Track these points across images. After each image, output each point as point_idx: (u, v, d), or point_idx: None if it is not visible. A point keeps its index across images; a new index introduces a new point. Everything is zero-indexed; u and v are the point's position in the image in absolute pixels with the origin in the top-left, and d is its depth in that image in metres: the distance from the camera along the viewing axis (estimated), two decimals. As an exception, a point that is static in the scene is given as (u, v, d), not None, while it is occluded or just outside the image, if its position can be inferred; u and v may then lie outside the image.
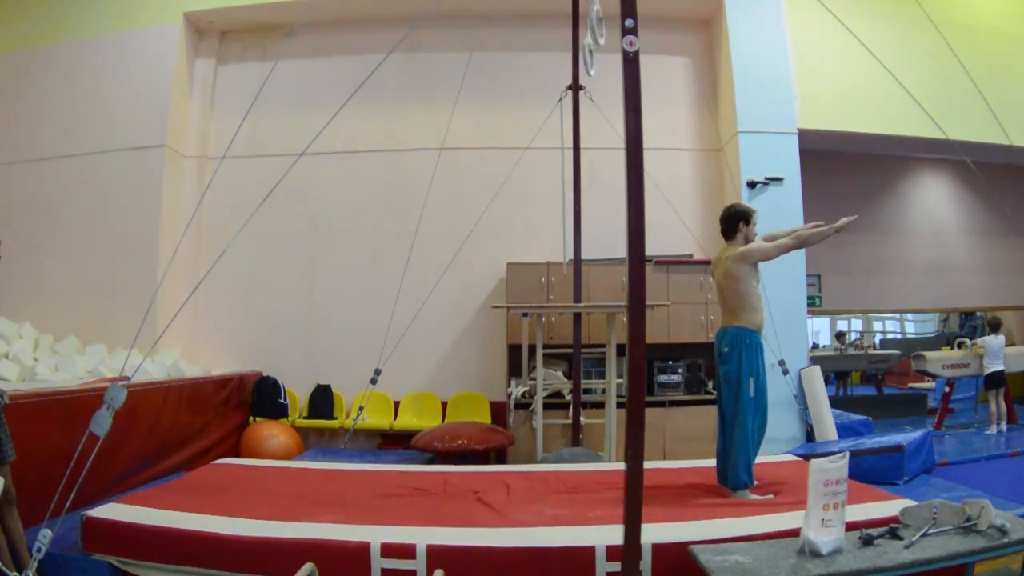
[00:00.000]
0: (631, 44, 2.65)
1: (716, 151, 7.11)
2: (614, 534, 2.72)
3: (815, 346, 9.57)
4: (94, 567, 3.14)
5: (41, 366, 5.64)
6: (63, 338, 6.34)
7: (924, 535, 2.61)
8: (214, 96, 7.30)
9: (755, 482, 3.81)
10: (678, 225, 6.36)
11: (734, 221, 4.05)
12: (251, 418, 6.49)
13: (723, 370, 3.95)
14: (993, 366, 7.04)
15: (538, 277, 6.34)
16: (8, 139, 7.04)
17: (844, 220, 3.87)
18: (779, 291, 6.08)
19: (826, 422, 5.98)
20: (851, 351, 9.58)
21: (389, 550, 2.91)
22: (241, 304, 7.01)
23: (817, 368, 6.25)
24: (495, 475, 4.33)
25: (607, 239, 6.13)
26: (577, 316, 5.61)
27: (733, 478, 3.78)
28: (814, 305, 8.32)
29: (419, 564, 2.86)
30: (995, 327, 7.28)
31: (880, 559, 2.44)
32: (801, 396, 6.21)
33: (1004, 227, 8.81)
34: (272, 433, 6.19)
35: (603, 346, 5.82)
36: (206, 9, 6.99)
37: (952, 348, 7.76)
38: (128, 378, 3.68)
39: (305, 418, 6.65)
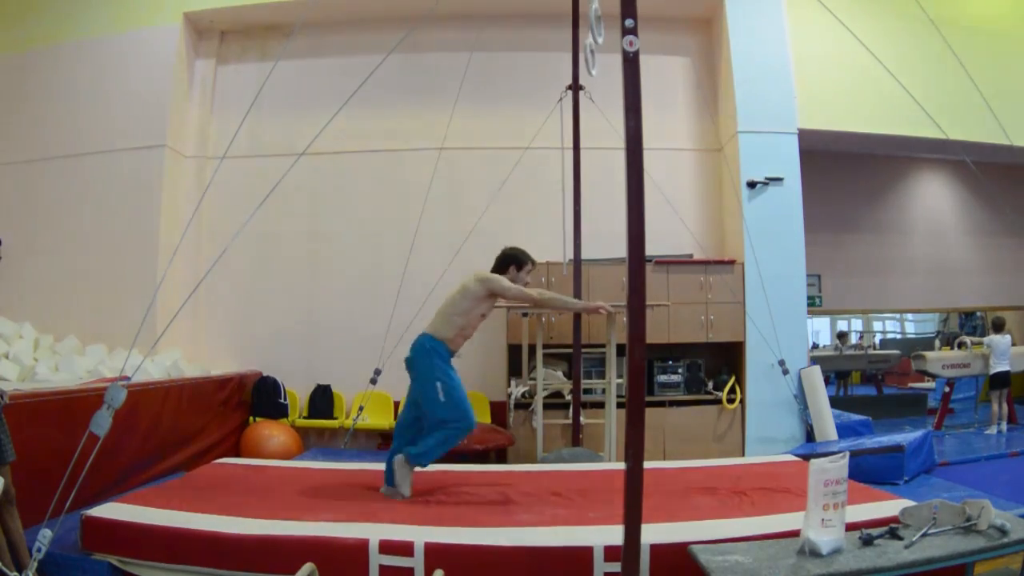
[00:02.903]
0: (631, 44, 2.64)
1: (716, 151, 7.11)
2: (613, 534, 2.72)
3: (815, 346, 9.56)
4: (94, 567, 3.14)
5: (41, 366, 5.64)
6: (63, 338, 6.33)
7: (924, 535, 2.61)
8: (214, 96, 7.30)
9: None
10: (678, 225, 6.37)
11: (504, 263, 4.02)
12: (251, 418, 6.49)
13: (412, 376, 3.91)
14: (999, 366, 7.03)
15: (538, 277, 6.33)
16: (9, 139, 7.04)
17: (599, 304, 3.78)
18: (779, 291, 6.10)
19: (826, 422, 5.98)
20: (850, 351, 9.57)
21: (387, 547, 2.91)
22: (241, 304, 7.01)
23: (817, 368, 6.25)
24: (495, 475, 4.33)
25: (607, 239, 6.12)
26: (577, 316, 5.60)
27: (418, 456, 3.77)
28: (814, 305, 8.31)
29: (417, 562, 2.87)
30: (999, 327, 7.26)
31: (880, 559, 2.44)
32: (801, 396, 6.21)
33: (1004, 227, 8.81)
34: (272, 433, 6.19)
35: (603, 346, 5.82)
36: (206, 9, 7.00)
37: (952, 348, 7.76)
38: (128, 378, 3.69)
39: (305, 418, 6.65)
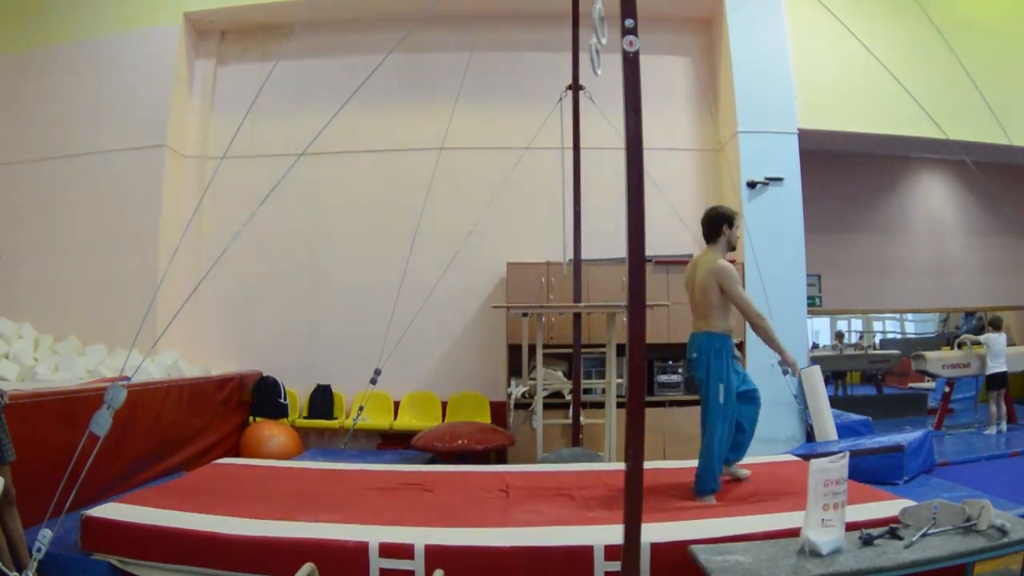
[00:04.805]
0: (631, 44, 2.64)
1: (716, 151, 7.11)
2: (613, 534, 2.72)
3: (815, 346, 9.56)
4: (94, 567, 3.14)
5: (41, 366, 5.64)
6: (63, 338, 6.33)
7: (924, 535, 2.61)
8: (214, 96, 7.30)
9: (720, 488, 3.79)
10: (678, 225, 6.36)
11: (717, 224, 3.91)
12: (251, 418, 6.49)
13: (696, 377, 3.91)
14: (996, 366, 7.02)
15: (538, 277, 6.33)
16: (9, 139, 7.04)
17: (795, 365, 3.84)
18: (779, 291, 6.09)
19: (826, 422, 5.98)
20: (849, 351, 9.57)
21: (387, 550, 2.91)
22: (241, 304, 7.01)
23: (817, 368, 6.25)
24: (495, 475, 4.33)
25: (607, 239, 6.12)
26: (577, 316, 5.60)
27: (700, 482, 3.75)
28: (814, 305, 8.31)
29: (417, 564, 2.86)
30: (996, 325, 7.25)
31: (880, 559, 2.44)
32: (801, 396, 6.21)
33: (1004, 227, 8.81)
34: (272, 433, 6.19)
35: (603, 346, 5.82)
36: (206, 9, 7.00)
37: (952, 348, 7.75)
38: (128, 378, 3.69)
39: (305, 418, 6.65)
